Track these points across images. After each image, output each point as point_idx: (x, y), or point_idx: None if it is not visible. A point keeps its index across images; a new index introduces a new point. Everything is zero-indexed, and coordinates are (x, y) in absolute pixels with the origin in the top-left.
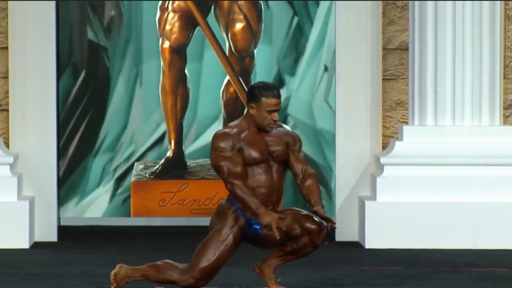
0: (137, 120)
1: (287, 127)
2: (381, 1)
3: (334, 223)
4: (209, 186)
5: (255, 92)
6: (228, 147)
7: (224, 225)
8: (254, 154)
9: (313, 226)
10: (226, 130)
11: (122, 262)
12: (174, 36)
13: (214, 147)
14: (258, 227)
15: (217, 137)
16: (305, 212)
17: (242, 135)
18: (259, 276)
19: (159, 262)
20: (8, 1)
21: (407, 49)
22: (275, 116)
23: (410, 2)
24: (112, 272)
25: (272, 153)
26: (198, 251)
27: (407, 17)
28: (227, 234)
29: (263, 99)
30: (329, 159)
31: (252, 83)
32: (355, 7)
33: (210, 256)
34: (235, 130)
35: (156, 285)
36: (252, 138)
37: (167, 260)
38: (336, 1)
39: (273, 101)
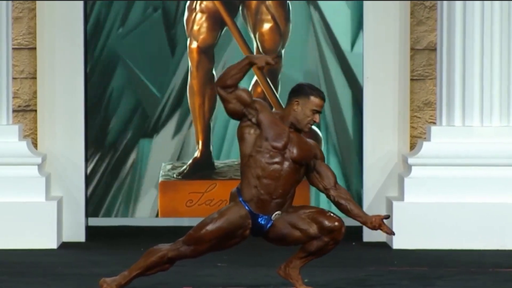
0: None
1: (311, 140)
2: (409, 2)
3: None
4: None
5: (305, 89)
6: (250, 95)
7: (223, 212)
8: (271, 136)
9: (335, 224)
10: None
11: None
12: (202, 36)
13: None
14: (263, 222)
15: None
16: (319, 208)
17: (271, 116)
18: (284, 278)
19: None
20: (37, 2)
21: (435, 50)
22: (317, 118)
23: (439, 2)
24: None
25: (290, 149)
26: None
27: (435, 18)
28: (222, 220)
29: (312, 97)
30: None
31: (279, 84)
32: (383, 8)
33: (201, 229)
34: (269, 109)
35: (147, 274)
36: (278, 126)
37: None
38: (364, 2)
39: (320, 102)
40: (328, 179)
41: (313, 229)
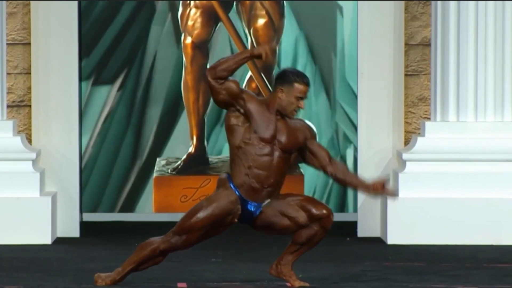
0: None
1: (300, 121)
2: None
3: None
4: None
5: (288, 76)
6: (238, 87)
7: (213, 198)
8: (259, 129)
9: (323, 212)
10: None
11: None
12: (196, 32)
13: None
14: (253, 209)
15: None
16: (307, 196)
17: (259, 104)
18: (276, 277)
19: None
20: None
21: (429, 45)
22: (302, 104)
23: None
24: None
25: (278, 140)
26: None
27: (430, 13)
28: (213, 206)
29: (296, 84)
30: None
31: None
32: (377, 3)
33: (191, 218)
34: (257, 97)
35: (141, 269)
36: (266, 116)
37: None
38: None
39: (305, 88)
40: (323, 157)
41: (302, 216)
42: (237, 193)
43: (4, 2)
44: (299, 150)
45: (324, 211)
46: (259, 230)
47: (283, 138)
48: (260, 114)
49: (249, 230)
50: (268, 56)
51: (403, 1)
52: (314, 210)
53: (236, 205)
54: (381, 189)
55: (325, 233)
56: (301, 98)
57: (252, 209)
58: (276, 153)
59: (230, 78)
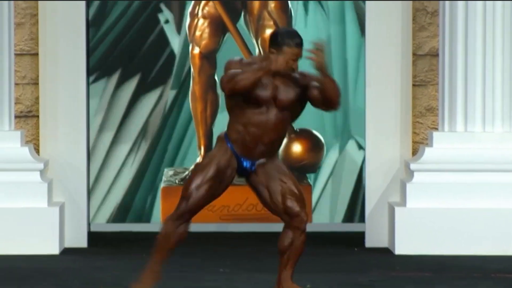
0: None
1: (305, 71)
2: (411, 7)
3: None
4: (238, 192)
5: (278, 39)
6: (237, 66)
7: (210, 155)
8: (257, 94)
9: (295, 209)
10: (239, 58)
11: None
12: (204, 42)
13: (225, 71)
14: (247, 165)
15: (228, 62)
16: (293, 186)
17: None
18: None
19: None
20: (39, 8)
21: (437, 55)
22: (295, 65)
23: (441, 8)
24: None
25: (276, 99)
26: (186, 181)
27: (437, 23)
28: (210, 161)
29: (285, 47)
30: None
31: None
32: (385, 13)
33: (196, 176)
34: (250, 61)
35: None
36: (264, 77)
37: None
38: (366, 7)
39: (295, 50)
40: (318, 89)
41: (278, 203)
42: (230, 147)
43: (12, 12)
44: (304, 97)
45: (296, 209)
46: (251, 188)
47: (280, 96)
48: None
49: (256, 241)
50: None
51: (411, 12)
52: (288, 204)
53: (231, 159)
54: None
55: (302, 235)
56: (293, 60)
57: (247, 166)
58: (273, 112)
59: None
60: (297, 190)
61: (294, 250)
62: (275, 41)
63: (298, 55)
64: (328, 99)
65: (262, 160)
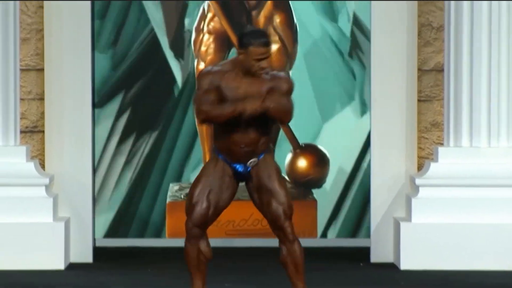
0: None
1: (281, 73)
2: (416, 22)
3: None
4: (243, 207)
5: (243, 40)
6: (206, 85)
7: (202, 169)
8: (229, 97)
9: (278, 210)
10: (210, 67)
11: (156, 283)
12: (209, 57)
13: (197, 85)
14: (241, 169)
15: (200, 74)
16: (277, 195)
17: (226, 75)
18: None
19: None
20: (44, 23)
21: (442, 71)
22: (263, 63)
23: (446, 23)
24: None
25: (248, 100)
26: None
27: (443, 38)
28: (204, 174)
29: (251, 48)
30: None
31: None
32: (391, 28)
33: (193, 192)
34: (220, 68)
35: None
36: (233, 81)
37: None
38: (371, 22)
39: (261, 49)
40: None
41: (267, 214)
42: (220, 157)
43: (18, 28)
44: None
45: (281, 222)
46: (251, 194)
47: (251, 98)
48: (229, 81)
49: (262, 256)
50: (256, 113)
51: (417, 27)
52: (275, 215)
53: (224, 167)
54: None
55: (294, 244)
56: (261, 59)
57: (241, 170)
58: (247, 114)
59: (209, 98)
60: (285, 199)
61: (292, 260)
62: (241, 42)
63: (265, 54)
64: (278, 119)
65: (253, 160)
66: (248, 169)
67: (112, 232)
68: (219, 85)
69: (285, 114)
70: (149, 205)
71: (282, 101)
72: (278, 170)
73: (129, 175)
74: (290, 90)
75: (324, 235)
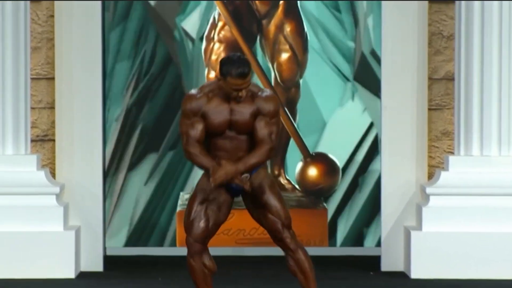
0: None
1: (266, 91)
2: (427, 31)
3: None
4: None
5: (222, 69)
6: (191, 112)
7: (196, 186)
8: (214, 124)
9: (275, 220)
10: (194, 92)
11: None
12: None
13: (182, 109)
14: (234, 186)
15: (185, 99)
16: (278, 210)
17: (210, 100)
18: None
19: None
20: (55, 32)
21: (453, 79)
22: (242, 92)
23: (456, 32)
24: None
25: (234, 124)
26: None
27: (453, 47)
28: (197, 192)
29: (229, 78)
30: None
31: (297, 113)
32: (401, 37)
33: (190, 212)
34: (204, 92)
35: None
36: (217, 106)
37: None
38: (382, 31)
39: (238, 81)
40: (258, 135)
41: (267, 227)
42: None
43: (29, 37)
44: None
45: (280, 234)
46: (252, 211)
47: (236, 120)
48: (213, 106)
49: (272, 265)
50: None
51: (427, 36)
52: (273, 228)
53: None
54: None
55: (298, 252)
56: (237, 90)
57: (234, 186)
58: (230, 134)
59: (196, 134)
60: (281, 211)
61: (300, 268)
62: (220, 70)
63: (242, 85)
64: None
65: (245, 176)
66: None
67: (123, 241)
68: (204, 111)
69: (268, 157)
70: (159, 214)
71: (263, 147)
72: (272, 182)
73: (139, 184)
74: (276, 111)
75: (334, 243)
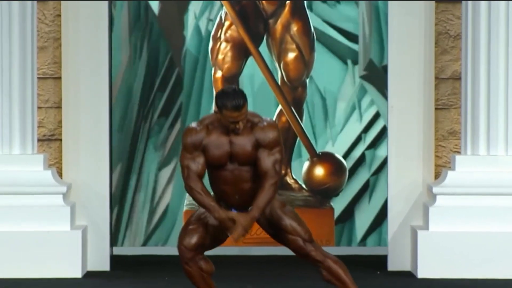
0: None
1: (265, 122)
2: (433, 31)
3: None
4: None
5: (218, 102)
6: (192, 145)
7: (195, 214)
8: (215, 157)
9: (297, 245)
10: (194, 125)
11: None
12: (226, 65)
13: (182, 143)
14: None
15: (185, 132)
16: (295, 226)
17: (210, 133)
18: None
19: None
20: (62, 32)
21: (459, 79)
22: (239, 125)
23: (463, 31)
24: None
25: (235, 156)
26: None
27: (460, 47)
28: (194, 221)
29: (224, 111)
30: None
31: (304, 113)
32: (407, 37)
33: (186, 223)
34: (205, 124)
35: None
36: (217, 139)
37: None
38: (388, 30)
39: (233, 114)
40: (262, 168)
41: (290, 246)
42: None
43: (35, 36)
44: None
45: (305, 250)
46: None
47: (237, 152)
48: (213, 138)
49: (279, 264)
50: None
51: (434, 36)
52: (297, 245)
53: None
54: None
55: (327, 260)
56: (233, 122)
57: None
58: (232, 167)
59: (196, 166)
60: (299, 228)
61: (334, 276)
62: (216, 103)
63: (238, 118)
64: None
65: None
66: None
67: (129, 240)
68: (204, 144)
69: (276, 190)
70: (166, 213)
71: (268, 181)
72: (281, 204)
73: (146, 184)
74: (277, 139)
75: (340, 243)
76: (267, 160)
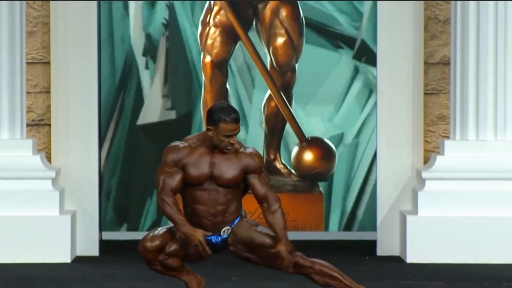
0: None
1: (249, 148)
2: (423, 16)
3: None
4: (250, 201)
5: (213, 116)
6: (172, 162)
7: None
8: (194, 176)
9: (283, 268)
10: (178, 143)
11: (162, 276)
12: (215, 50)
13: (162, 159)
14: (216, 240)
15: (167, 149)
16: (272, 242)
17: (192, 152)
18: None
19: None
20: (51, 16)
21: (448, 64)
22: (234, 139)
23: (452, 16)
24: None
25: (215, 178)
26: None
27: (449, 32)
28: (162, 228)
29: (221, 124)
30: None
31: (293, 97)
32: (397, 22)
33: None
34: (188, 143)
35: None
36: (199, 158)
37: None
38: (378, 16)
39: (231, 126)
40: (258, 193)
41: (271, 265)
42: None
43: (24, 21)
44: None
45: (284, 268)
46: (241, 255)
47: (217, 173)
48: (195, 158)
49: None
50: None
51: (423, 21)
52: (276, 263)
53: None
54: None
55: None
56: (230, 136)
57: (216, 241)
58: (210, 187)
59: (172, 183)
60: (279, 244)
61: (329, 276)
62: (211, 118)
63: (235, 131)
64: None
65: (226, 229)
66: (224, 237)
67: (119, 225)
68: (184, 162)
69: (283, 212)
70: (155, 198)
71: (273, 205)
72: (252, 224)
73: (136, 169)
74: (262, 165)
75: (329, 228)
76: (262, 185)
